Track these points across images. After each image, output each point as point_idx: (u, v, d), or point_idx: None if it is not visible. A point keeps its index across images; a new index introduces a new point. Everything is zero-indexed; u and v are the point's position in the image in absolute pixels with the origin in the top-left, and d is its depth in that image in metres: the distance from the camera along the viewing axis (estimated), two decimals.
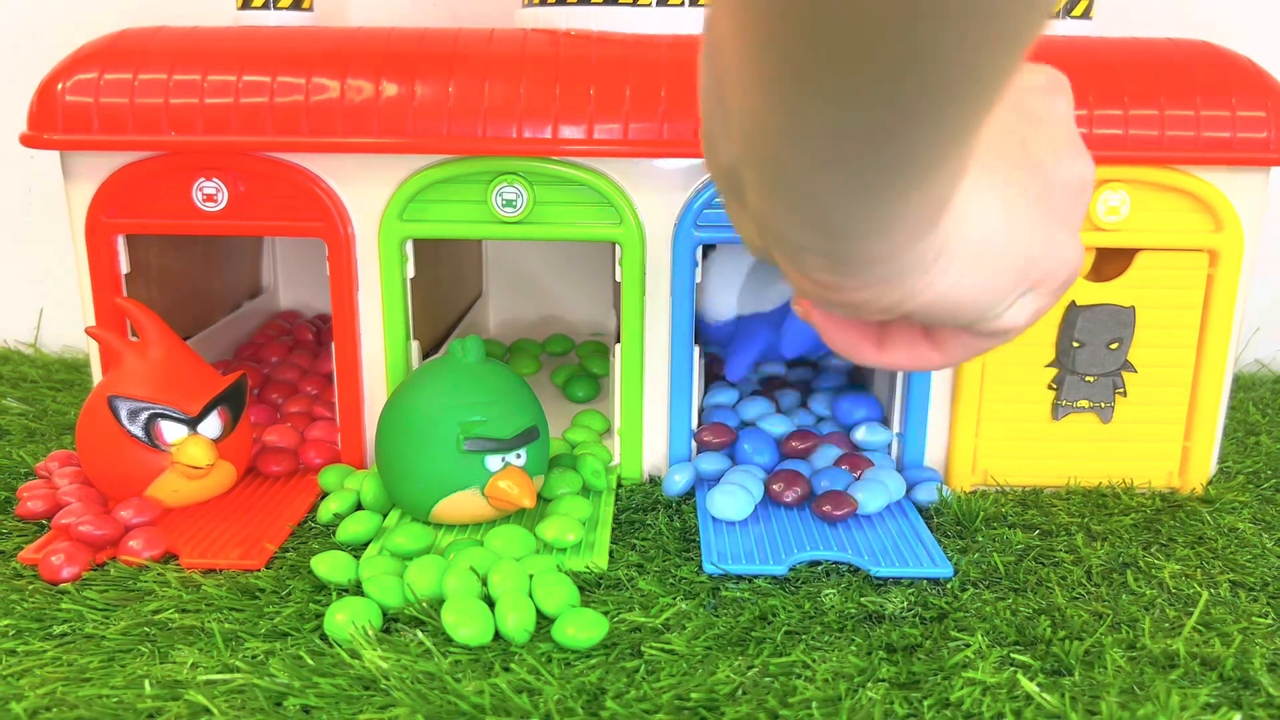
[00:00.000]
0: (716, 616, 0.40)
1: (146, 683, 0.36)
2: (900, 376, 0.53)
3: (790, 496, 0.48)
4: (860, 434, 0.54)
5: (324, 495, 0.51)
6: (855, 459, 0.52)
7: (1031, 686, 0.35)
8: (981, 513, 0.49)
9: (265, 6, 0.54)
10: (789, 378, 0.65)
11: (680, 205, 0.50)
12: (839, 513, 0.46)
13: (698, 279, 0.51)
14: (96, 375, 0.53)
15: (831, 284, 0.25)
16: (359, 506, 0.49)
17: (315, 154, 0.50)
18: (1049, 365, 0.52)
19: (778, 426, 0.54)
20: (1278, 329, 0.76)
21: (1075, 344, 0.51)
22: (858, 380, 0.62)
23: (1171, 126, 0.48)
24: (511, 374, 0.48)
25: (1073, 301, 0.51)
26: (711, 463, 0.52)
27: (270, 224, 0.51)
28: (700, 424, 0.54)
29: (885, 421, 0.55)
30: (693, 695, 0.35)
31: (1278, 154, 0.48)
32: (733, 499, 0.47)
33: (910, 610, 0.41)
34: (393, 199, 0.50)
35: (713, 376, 0.63)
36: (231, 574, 0.44)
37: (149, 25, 0.53)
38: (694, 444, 0.53)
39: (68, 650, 0.38)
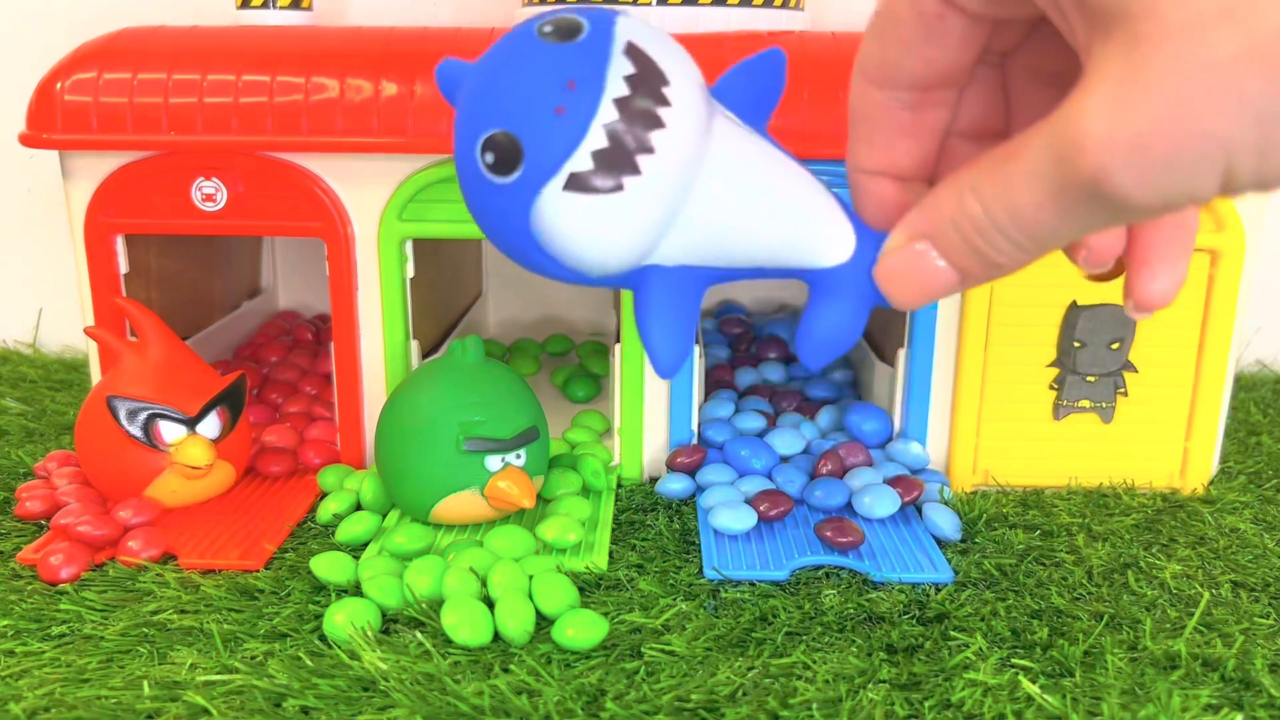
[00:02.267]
0: (717, 617, 0.40)
1: (145, 683, 0.36)
2: (900, 378, 0.53)
3: (775, 512, 0.48)
4: (903, 451, 0.53)
5: (323, 495, 0.51)
6: (909, 482, 0.50)
7: (1033, 688, 0.35)
8: (982, 513, 0.49)
9: (265, 6, 0.54)
10: (777, 384, 0.65)
11: None
12: (843, 540, 0.45)
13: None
14: (95, 375, 0.53)
15: None
16: (358, 507, 0.49)
17: (315, 154, 0.50)
18: (1050, 365, 0.52)
19: (785, 443, 0.53)
20: (1278, 329, 0.76)
21: (1076, 344, 0.51)
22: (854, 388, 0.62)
23: None
24: (511, 374, 0.47)
25: (1074, 302, 0.51)
26: (714, 473, 0.51)
27: (270, 224, 0.51)
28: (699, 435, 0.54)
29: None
30: (693, 696, 0.35)
31: None
32: (736, 511, 0.47)
33: (911, 611, 0.41)
34: (392, 199, 0.50)
35: (713, 384, 0.63)
36: (230, 574, 0.43)
37: (149, 25, 0.53)
38: (665, 468, 0.53)
39: (66, 651, 0.38)
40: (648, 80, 0.30)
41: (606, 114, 0.29)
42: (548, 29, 0.31)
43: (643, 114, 0.30)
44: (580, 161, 0.30)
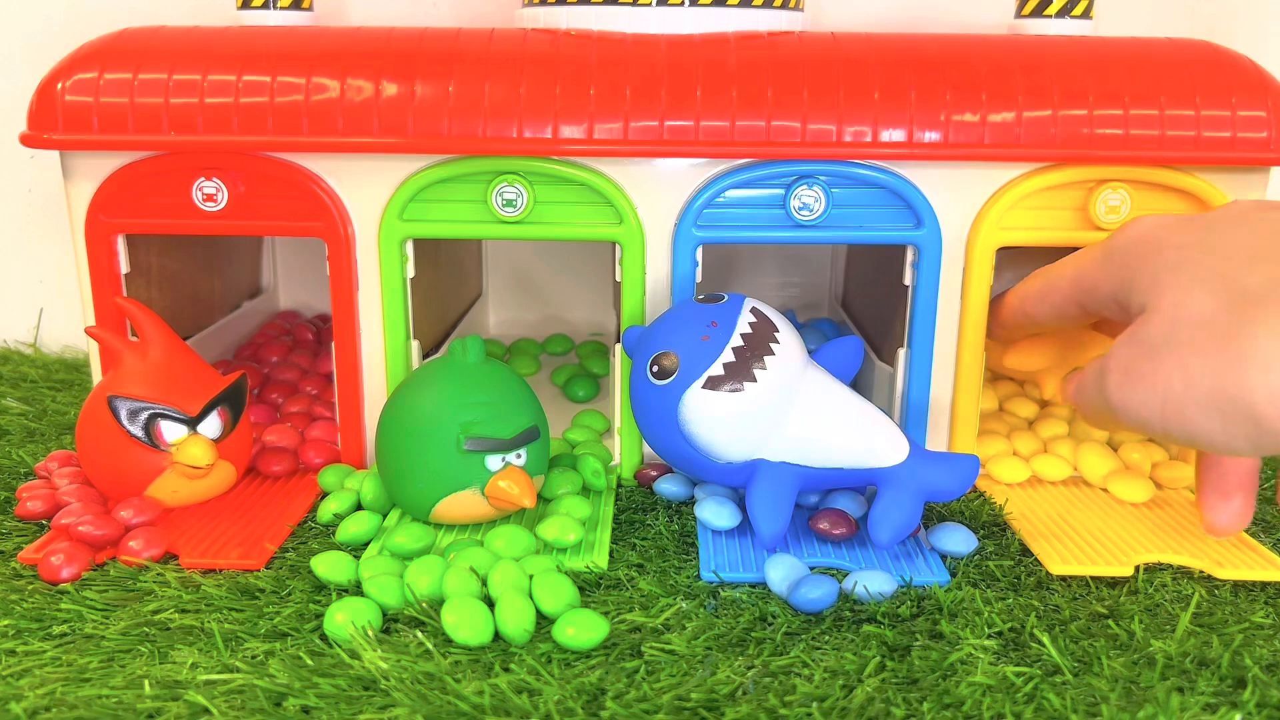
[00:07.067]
0: (717, 617, 0.40)
1: (146, 683, 0.36)
2: (900, 378, 0.53)
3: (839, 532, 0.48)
4: None
5: (324, 495, 0.51)
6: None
7: (1031, 687, 0.35)
8: (982, 513, 0.49)
9: (265, 6, 0.54)
10: None
11: (680, 205, 0.50)
12: (836, 532, 0.45)
13: (698, 277, 0.51)
14: (96, 375, 0.53)
15: None
16: (359, 506, 0.49)
17: (315, 154, 0.50)
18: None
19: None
20: None
21: None
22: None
23: (1171, 126, 0.48)
24: (511, 374, 0.48)
25: None
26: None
27: (270, 224, 0.51)
28: None
29: None
30: (693, 695, 0.35)
31: (1278, 154, 0.48)
32: (723, 508, 0.47)
33: (910, 610, 0.41)
34: (393, 199, 0.50)
35: None
36: (231, 574, 0.44)
37: (149, 25, 0.53)
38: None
39: (67, 650, 0.38)
40: (764, 328, 0.44)
41: (735, 342, 0.43)
42: (701, 296, 0.46)
43: (759, 345, 0.43)
44: (715, 370, 0.42)
